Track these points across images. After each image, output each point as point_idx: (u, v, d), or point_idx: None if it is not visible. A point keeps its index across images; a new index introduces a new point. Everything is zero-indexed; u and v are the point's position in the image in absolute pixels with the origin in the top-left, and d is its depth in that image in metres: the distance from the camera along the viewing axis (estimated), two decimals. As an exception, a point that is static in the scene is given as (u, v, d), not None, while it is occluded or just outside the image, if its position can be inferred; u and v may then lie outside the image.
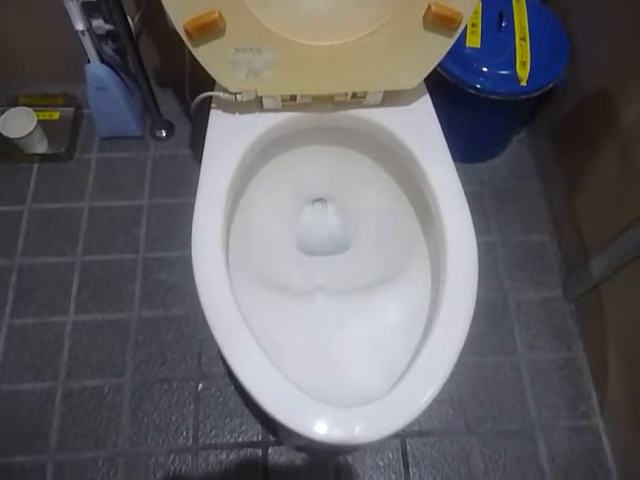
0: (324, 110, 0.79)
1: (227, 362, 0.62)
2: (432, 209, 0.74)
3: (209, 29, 0.65)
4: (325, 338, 0.76)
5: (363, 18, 0.66)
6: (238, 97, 0.74)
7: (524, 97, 1.00)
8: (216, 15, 0.63)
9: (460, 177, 0.75)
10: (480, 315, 1.05)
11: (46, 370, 1.01)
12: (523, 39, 1.01)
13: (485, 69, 0.99)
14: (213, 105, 0.79)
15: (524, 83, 0.98)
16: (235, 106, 0.77)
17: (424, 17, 0.66)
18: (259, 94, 0.74)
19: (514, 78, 0.98)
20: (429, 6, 0.64)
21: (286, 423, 0.57)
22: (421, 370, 0.62)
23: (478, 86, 0.99)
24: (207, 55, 0.68)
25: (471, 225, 0.71)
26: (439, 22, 0.66)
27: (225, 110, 0.78)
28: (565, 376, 1.03)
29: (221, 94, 0.75)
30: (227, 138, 0.75)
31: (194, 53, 0.68)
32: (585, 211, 1.06)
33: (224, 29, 0.65)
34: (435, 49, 0.70)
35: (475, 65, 1.00)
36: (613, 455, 0.96)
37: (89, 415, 0.97)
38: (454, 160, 0.76)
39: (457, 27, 0.67)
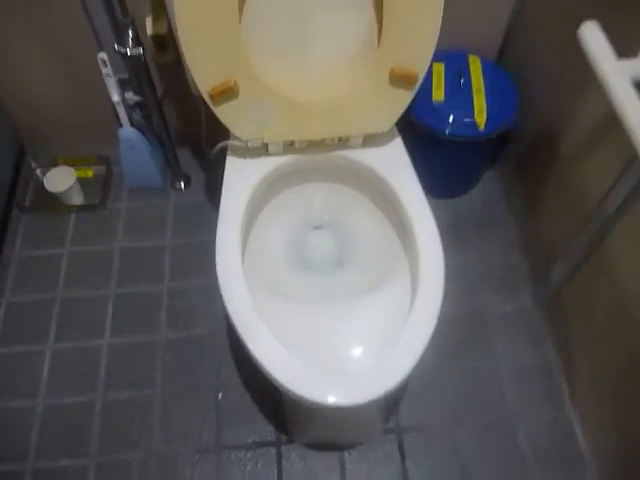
0: (317, 152, 0.99)
1: (247, 349, 0.78)
2: (406, 224, 0.92)
3: (227, 93, 0.85)
4: (324, 335, 0.92)
5: (344, 80, 0.87)
6: (249, 144, 0.94)
7: (484, 139, 1.21)
8: (232, 83, 0.84)
9: (438, 210, 0.92)
10: (460, 326, 1.24)
11: (86, 385, 1.16)
12: (479, 92, 1.22)
13: (450, 118, 1.20)
14: (228, 152, 0.99)
15: (482, 128, 1.19)
16: (246, 151, 0.97)
17: (389, 76, 0.87)
18: (265, 141, 0.94)
19: (474, 124, 1.19)
20: (392, 69, 0.86)
21: (302, 394, 0.72)
22: (402, 347, 0.78)
23: (445, 131, 1.20)
24: (225, 112, 0.89)
25: (436, 230, 0.88)
26: (401, 80, 0.87)
27: (238, 155, 0.98)
28: (539, 375, 1.18)
29: (235, 142, 0.95)
30: (241, 176, 0.95)
31: (215, 112, 0.89)
32: (547, 230, 1.24)
33: (238, 92, 0.86)
34: (400, 100, 0.91)
35: (441, 115, 1.21)
36: (584, 441, 1.10)
37: (124, 422, 1.12)
38: (432, 196, 0.95)
39: (415, 83, 0.88)
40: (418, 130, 1.22)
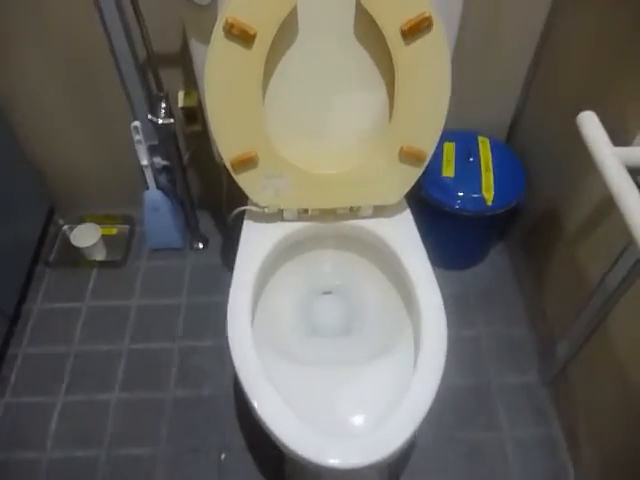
0: (329, 220, 1.04)
1: (252, 408, 0.80)
2: (411, 293, 0.96)
3: (247, 163, 0.92)
4: (328, 398, 0.94)
5: (356, 155, 0.94)
6: (265, 210, 1.00)
7: (491, 214, 1.26)
8: (253, 154, 0.91)
9: (445, 281, 0.96)
10: (465, 398, 1.23)
11: (92, 439, 1.17)
12: (487, 170, 1.29)
13: (459, 193, 1.26)
14: (246, 216, 1.05)
15: (490, 203, 1.24)
16: (263, 217, 1.03)
17: (399, 154, 0.93)
18: (281, 207, 1.00)
19: (482, 199, 1.25)
20: (401, 147, 0.92)
21: (301, 453, 0.74)
22: (402, 414, 0.79)
23: (454, 206, 1.25)
24: (245, 180, 0.96)
25: (440, 301, 0.91)
26: (410, 158, 0.93)
27: (255, 220, 1.04)
28: (544, 451, 1.16)
29: (253, 208, 1.01)
30: (257, 240, 1.00)
31: (236, 179, 0.95)
32: (552, 305, 1.26)
33: (258, 162, 0.93)
34: (409, 176, 0.97)
35: (450, 190, 1.27)
36: (592, 525, 1.07)
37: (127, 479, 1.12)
38: (440, 267, 0.99)
39: (423, 161, 0.94)
40: (428, 203, 1.27)
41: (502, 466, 1.15)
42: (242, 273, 0.96)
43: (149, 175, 1.36)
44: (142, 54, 1.17)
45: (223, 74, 0.83)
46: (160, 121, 1.15)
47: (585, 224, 1.10)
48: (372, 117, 0.92)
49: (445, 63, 0.85)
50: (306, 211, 1.03)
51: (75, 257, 1.46)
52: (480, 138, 1.35)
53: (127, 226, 1.55)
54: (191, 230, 1.51)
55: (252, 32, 0.79)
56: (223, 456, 1.15)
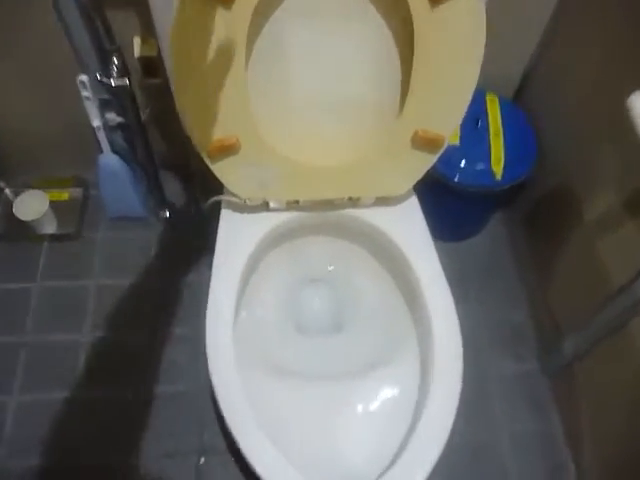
0: (323, 209, 0.88)
1: (241, 451, 0.69)
2: (419, 300, 0.83)
3: (226, 150, 0.74)
4: (323, 422, 0.82)
5: (360, 144, 0.77)
6: (247, 201, 0.83)
7: (498, 189, 1.11)
8: (234, 140, 0.72)
9: (440, 254, 0.84)
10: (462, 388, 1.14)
11: (53, 446, 1.04)
12: (497, 137, 1.12)
13: (463, 164, 1.11)
14: (223, 205, 0.88)
15: (499, 177, 1.09)
16: (244, 207, 0.86)
17: (412, 140, 0.76)
18: (266, 199, 0.83)
19: (489, 173, 1.10)
20: (416, 132, 0.75)
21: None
22: (409, 459, 0.69)
23: (456, 180, 1.10)
24: (222, 170, 0.78)
25: (455, 317, 0.80)
26: (425, 143, 0.77)
27: (234, 210, 0.87)
28: (542, 445, 1.10)
29: (232, 199, 0.84)
30: (237, 235, 0.84)
31: (211, 168, 0.78)
32: (556, 290, 1.16)
33: (239, 150, 0.75)
34: (421, 164, 0.81)
35: (454, 160, 1.11)
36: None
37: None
38: (435, 239, 0.86)
39: (440, 147, 0.78)
40: (428, 175, 1.11)
41: (498, 458, 1.08)
42: (221, 281, 0.80)
43: (102, 137, 1.15)
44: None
45: (194, 42, 0.64)
46: (113, 82, 0.94)
47: (610, 211, 0.97)
48: (381, 97, 0.74)
49: (480, 28, 0.67)
50: (296, 201, 0.86)
51: (20, 230, 1.26)
52: (489, 96, 1.17)
53: (80, 189, 1.35)
54: (155, 197, 1.32)
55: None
56: (202, 460, 1.05)
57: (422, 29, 0.65)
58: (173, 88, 0.73)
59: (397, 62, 0.71)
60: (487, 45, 1.09)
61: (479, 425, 1.12)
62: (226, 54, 0.65)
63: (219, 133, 0.73)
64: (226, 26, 0.63)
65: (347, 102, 0.75)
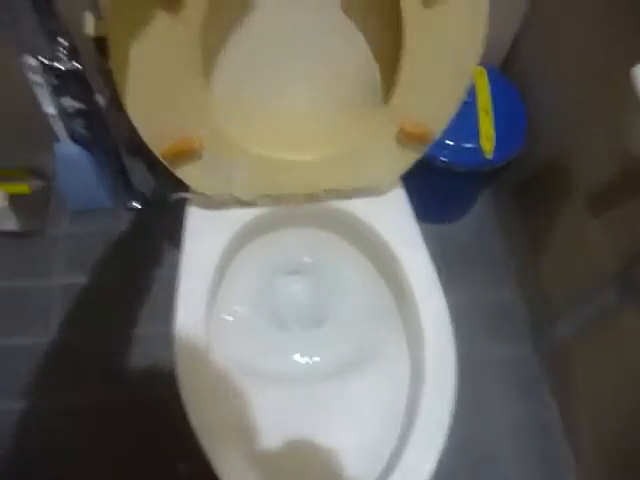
0: (299, 202, 0.80)
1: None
2: (407, 294, 0.76)
3: (187, 154, 0.66)
4: (306, 425, 0.76)
5: (337, 137, 0.68)
6: (215, 198, 0.75)
7: (489, 168, 1.04)
8: (195, 145, 0.64)
9: (427, 237, 0.78)
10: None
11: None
12: (486, 113, 1.05)
13: (450, 142, 1.03)
14: (188, 201, 0.79)
15: (489, 156, 1.02)
16: (212, 203, 0.78)
17: (397, 136, 0.68)
18: (235, 195, 0.75)
19: (479, 151, 1.02)
20: (402, 127, 0.67)
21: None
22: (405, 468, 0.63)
23: (446, 159, 1.03)
24: (185, 174, 0.69)
25: (446, 311, 0.73)
26: (411, 139, 0.69)
27: (201, 207, 0.78)
28: (538, 432, 1.05)
29: (198, 195, 0.76)
30: (206, 235, 0.76)
31: (175, 173, 0.69)
32: (548, 269, 1.10)
33: (201, 154, 0.66)
34: (406, 160, 0.73)
35: (441, 139, 1.02)
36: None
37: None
38: (421, 221, 0.79)
39: (428, 143, 0.70)
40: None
41: (492, 444, 1.03)
42: (190, 286, 0.72)
43: (58, 124, 1.05)
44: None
45: (136, 42, 0.55)
46: (62, 67, 0.84)
47: (601, 187, 0.90)
48: (360, 88, 0.66)
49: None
50: (269, 195, 0.78)
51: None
52: (477, 69, 1.08)
53: (41, 182, 1.25)
54: (121, 187, 1.23)
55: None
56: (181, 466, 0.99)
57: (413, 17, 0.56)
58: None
59: (382, 50, 0.62)
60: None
61: (472, 410, 1.06)
62: (177, 56, 0.56)
63: (176, 137, 0.64)
64: (174, 25, 0.53)
65: (323, 94, 0.67)
